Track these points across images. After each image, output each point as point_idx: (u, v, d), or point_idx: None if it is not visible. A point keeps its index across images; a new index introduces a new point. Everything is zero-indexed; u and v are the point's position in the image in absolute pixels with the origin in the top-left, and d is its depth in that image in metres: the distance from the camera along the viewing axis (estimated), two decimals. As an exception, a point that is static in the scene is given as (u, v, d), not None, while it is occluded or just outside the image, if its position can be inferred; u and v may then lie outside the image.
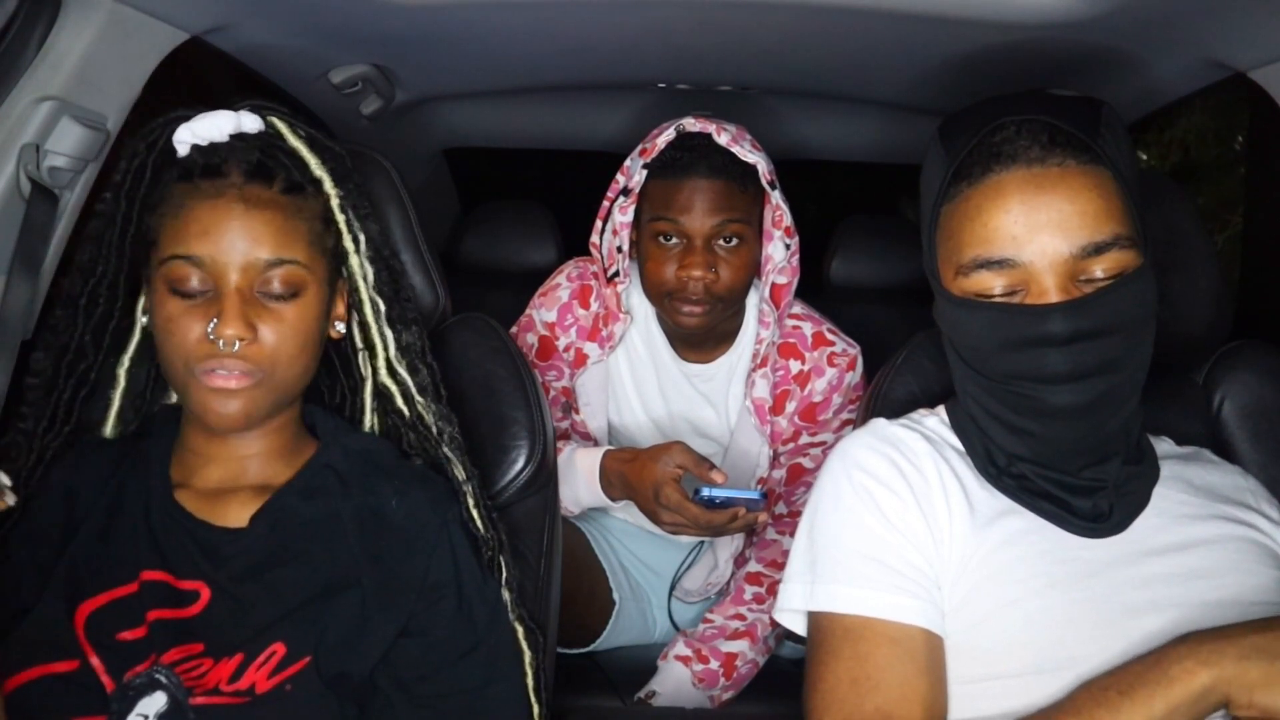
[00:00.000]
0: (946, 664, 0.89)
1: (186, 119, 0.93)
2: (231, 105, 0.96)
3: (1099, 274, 0.86)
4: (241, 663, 0.87)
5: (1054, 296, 0.86)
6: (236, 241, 0.90)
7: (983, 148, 0.90)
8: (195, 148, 0.93)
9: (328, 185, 0.97)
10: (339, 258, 0.99)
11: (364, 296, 1.01)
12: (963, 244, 0.90)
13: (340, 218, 0.98)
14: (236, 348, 0.89)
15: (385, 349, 1.03)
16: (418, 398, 1.03)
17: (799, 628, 0.96)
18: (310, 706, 0.87)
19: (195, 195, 0.91)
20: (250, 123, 0.95)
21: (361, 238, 1.00)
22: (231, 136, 0.93)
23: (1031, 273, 0.87)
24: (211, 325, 0.88)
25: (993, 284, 0.88)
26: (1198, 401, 1.19)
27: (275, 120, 0.97)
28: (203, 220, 0.90)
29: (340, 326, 1.02)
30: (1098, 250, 0.86)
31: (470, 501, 1.01)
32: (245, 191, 0.91)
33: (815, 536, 0.95)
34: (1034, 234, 0.86)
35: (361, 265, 1.00)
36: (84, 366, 0.98)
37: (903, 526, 0.91)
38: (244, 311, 0.89)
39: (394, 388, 1.03)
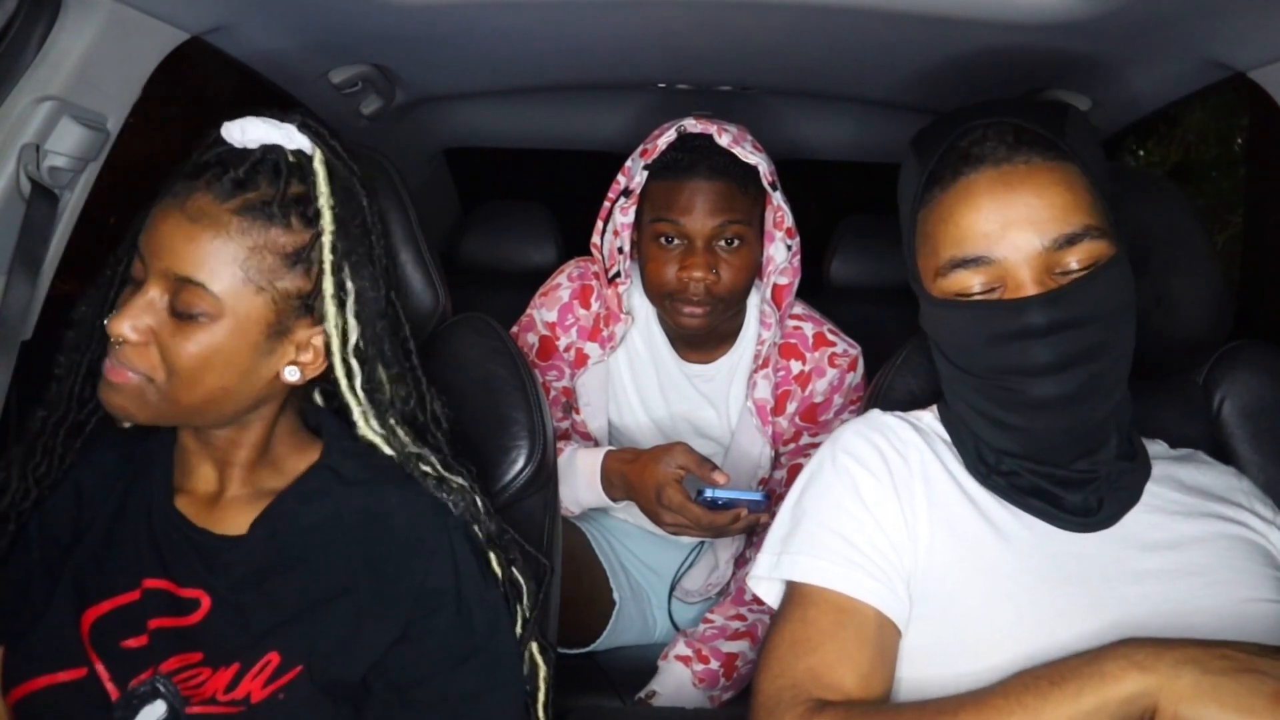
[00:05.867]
0: (920, 657, 0.90)
1: (260, 115, 0.91)
2: (289, 118, 0.93)
3: (1074, 265, 0.88)
4: (238, 672, 0.87)
5: (1031, 290, 0.88)
6: (162, 248, 0.87)
7: (953, 152, 0.92)
8: (225, 149, 0.90)
9: (325, 220, 0.90)
10: (309, 301, 0.92)
11: (336, 357, 0.92)
12: (939, 246, 0.92)
13: (328, 259, 0.90)
14: (121, 345, 0.87)
15: (365, 416, 0.95)
16: (410, 449, 0.97)
17: (772, 599, 0.97)
18: (303, 713, 0.87)
19: (165, 197, 0.89)
20: (296, 140, 0.91)
21: (350, 289, 0.91)
22: (266, 147, 0.90)
23: (1007, 268, 0.89)
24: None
25: (970, 282, 0.90)
26: (1198, 402, 1.19)
27: (321, 149, 0.92)
28: (154, 220, 0.89)
29: (292, 374, 0.92)
30: (1070, 241, 0.88)
31: (479, 530, 0.97)
32: (190, 203, 0.87)
33: (796, 513, 0.97)
34: (1006, 230, 0.88)
35: (344, 322, 0.92)
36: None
37: (876, 510, 0.93)
38: (138, 315, 0.87)
39: (381, 442, 0.97)
